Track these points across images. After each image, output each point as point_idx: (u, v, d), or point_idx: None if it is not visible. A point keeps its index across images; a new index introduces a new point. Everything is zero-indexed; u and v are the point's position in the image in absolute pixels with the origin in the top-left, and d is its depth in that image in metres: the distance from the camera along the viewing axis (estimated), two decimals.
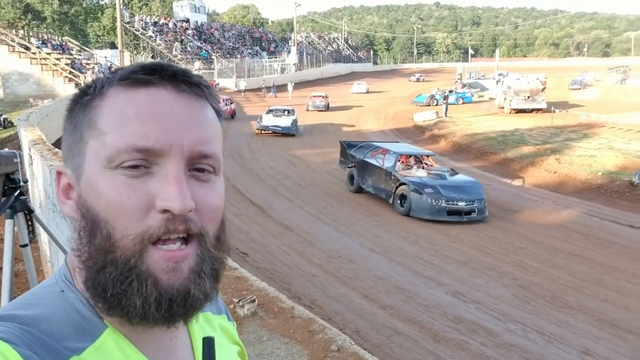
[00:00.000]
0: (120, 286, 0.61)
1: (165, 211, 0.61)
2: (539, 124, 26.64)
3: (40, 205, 5.40)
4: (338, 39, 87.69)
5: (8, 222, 2.57)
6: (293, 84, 45.35)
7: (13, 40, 33.52)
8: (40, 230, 3.09)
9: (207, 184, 0.66)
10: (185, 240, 0.63)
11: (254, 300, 4.31)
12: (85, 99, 0.66)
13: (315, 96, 36.76)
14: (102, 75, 0.69)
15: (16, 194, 2.55)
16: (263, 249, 10.22)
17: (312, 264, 9.57)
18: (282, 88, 44.19)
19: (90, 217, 0.63)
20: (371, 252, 10.48)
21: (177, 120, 0.63)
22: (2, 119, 24.23)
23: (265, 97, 41.05)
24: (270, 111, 27.09)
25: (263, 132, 25.39)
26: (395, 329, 7.17)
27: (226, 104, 28.82)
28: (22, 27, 43.61)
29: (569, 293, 8.94)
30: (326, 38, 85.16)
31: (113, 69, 0.70)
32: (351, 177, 15.81)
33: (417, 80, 61.53)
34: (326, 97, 36.49)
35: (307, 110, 34.16)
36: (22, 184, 2.61)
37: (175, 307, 0.62)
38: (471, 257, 10.53)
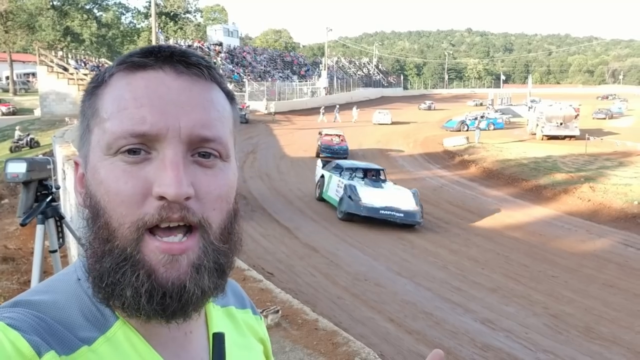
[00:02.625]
0: (115, 275, 0.59)
1: (161, 198, 0.58)
2: (573, 151, 26.16)
3: (71, 220, 5.49)
4: (368, 64, 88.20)
5: (39, 228, 2.60)
6: (358, 108, 44.11)
7: (52, 61, 34.72)
8: (68, 241, 3.12)
9: (211, 171, 0.63)
10: (188, 231, 0.61)
11: (277, 311, 4.28)
12: (91, 88, 0.66)
13: (328, 135, 25.74)
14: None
15: (48, 199, 2.58)
16: (289, 269, 10.16)
17: (337, 286, 9.46)
18: (324, 110, 44.37)
19: (93, 205, 0.62)
20: (398, 276, 10.32)
21: (175, 102, 0.61)
22: (29, 139, 24.71)
23: (323, 121, 39.57)
24: (339, 169, 16.19)
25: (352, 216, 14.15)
26: (422, 355, 6.99)
27: None
28: (62, 49, 45.10)
29: (603, 324, 8.63)
30: (357, 63, 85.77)
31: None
32: None
33: (429, 108, 57.09)
34: (343, 137, 25.80)
35: (319, 156, 23.42)
36: (54, 190, 2.64)
37: (168, 300, 0.60)
38: (501, 284, 10.28)
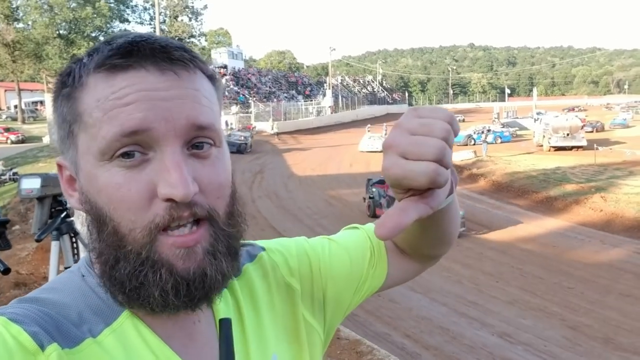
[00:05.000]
0: (137, 280, 0.59)
1: (168, 199, 0.57)
2: (582, 162, 26.01)
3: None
4: (373, 82, 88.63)
5: (54, 244, 2.56)
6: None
7: None
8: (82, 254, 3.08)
9: (208, 161, 0.62)
10: (196, 222, 0.60)
11: None
12: (65, 91, 0.62)
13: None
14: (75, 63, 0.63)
15: (63, 215, 2.55)
16: None
17: None
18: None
19: (95, 213, 0.61)
20: (412, 292, 10.22)
21: (162, 97, 0.59)
22: (11, 174, 23.97)
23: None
24: None
25: None
26: None
27: None
28: None
29: (622, 335, 8.48)
30: (361, 81, 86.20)
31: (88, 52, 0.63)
32: None
33: None
34: None
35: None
36: (68, 205, 2.61)
37: (193, 290, 0.60)
38: (517, 297, 10.15)
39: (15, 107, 55.04)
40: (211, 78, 0.67)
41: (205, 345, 0.68)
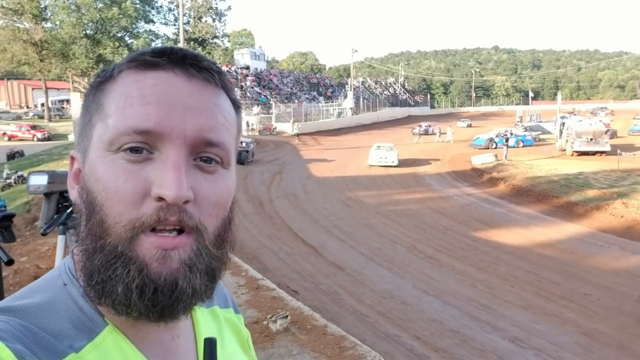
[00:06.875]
0: (106, 272, 0.59)
1: (160, 199, 0.58)
2: (605, 168, 25.61)
3: None
4: (394, 84, 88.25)
5: (60, 238, 2.67)
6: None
7: (85, 88, 35.67)
8: None
9: (212, 176, 0.63)
10: (181, 232, 0.61)
11: (286, 316, 4.32)
12: (97, 82, 0.66)
13: None
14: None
15: (68, 211, 2.65)
16: (314, 287, 10.14)
17: (363, 304, 9.40)
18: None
19: (89, 201, 0.61)
20: (425, 295, 10.20)
21: (183, 104, 0.61)
22: (17, 177, 23.62)
23: (419, 142, 38.87)
24: None
25: None
26: None
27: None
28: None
29: (638, 342, 8.36)
30: (383, 82, 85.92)
31: None
32: None
33: (425, 132, 45.79)
34: None
35: None
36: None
37: (160, 296, 0.59)
38: (531, 302, 10.06)
39: (42, 105, 56.19)
40: (234, 104, 0.69)
41: None
